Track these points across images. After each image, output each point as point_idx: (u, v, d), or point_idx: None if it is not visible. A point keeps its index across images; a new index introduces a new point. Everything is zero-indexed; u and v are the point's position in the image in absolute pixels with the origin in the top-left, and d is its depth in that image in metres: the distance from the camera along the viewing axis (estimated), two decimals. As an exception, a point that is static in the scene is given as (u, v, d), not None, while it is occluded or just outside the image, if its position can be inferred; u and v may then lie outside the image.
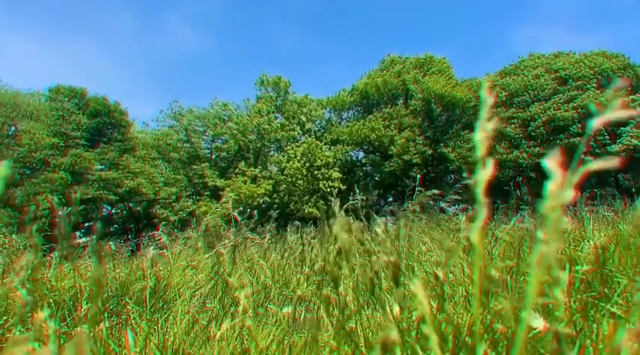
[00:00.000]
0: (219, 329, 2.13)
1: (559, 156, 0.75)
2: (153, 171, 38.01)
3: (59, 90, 38.14)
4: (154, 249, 3.46)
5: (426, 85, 36.51)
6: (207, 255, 3.48)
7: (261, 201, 32.12)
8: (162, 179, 37.47)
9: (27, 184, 35.02)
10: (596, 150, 33.95)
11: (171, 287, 3.31)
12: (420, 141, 35.09)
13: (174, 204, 35.53)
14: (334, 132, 37.50)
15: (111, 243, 35.90)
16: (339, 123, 40.94)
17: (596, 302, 2.13)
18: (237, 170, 33.81)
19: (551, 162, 0.73)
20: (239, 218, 3.94)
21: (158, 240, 3.87)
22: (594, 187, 35.61)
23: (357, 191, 4.78)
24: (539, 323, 0.99)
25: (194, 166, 36.49)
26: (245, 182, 32.27)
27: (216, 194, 34.13)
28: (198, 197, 36.69)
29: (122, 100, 67.69)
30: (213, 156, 39.22)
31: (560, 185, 0.69)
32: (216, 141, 39.22)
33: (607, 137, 33.84)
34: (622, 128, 33.64)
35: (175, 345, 2.04)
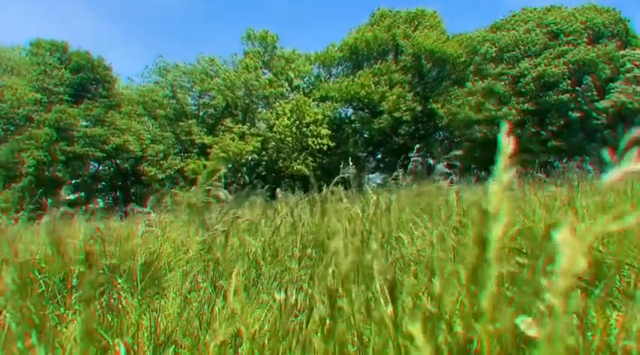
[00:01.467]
0: (211, 313, 2.13)
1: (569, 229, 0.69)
2: (139, 127, 37.56)
3: (40, 45, 37.06)
4: (144, 226, 3.41)
5: (417, 40, 35.94)
6: (198, 238, 3.40)
7: (249, 158, 32.01)
8: (149, 136, 37.09)
9: (11, 141, 34.54)
10: (584, 107, 34.03)
11: (162, 263, 3.28)
12: (410, 98, 34.86)
13: (162, 162, 35.32)
14: (323, 88, 37.03)
15: (99, 199, 35.54)
16: (328, 79, 40.36)
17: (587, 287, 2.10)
18: (224, 127, 33.45)
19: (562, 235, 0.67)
20: (223, 195, 3.91)
21: (147, 216, 3.78)
22: (581, 143, 35.97)
23: (350, 163, 4.70)
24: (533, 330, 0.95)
25: (181, 123, 36.03)
26: (233, 139, 32.01)
27: (204, 151, 33.90)
28: (186, 154, 36.45)
29: (105, 55, 65.81)
30: (201, 113, 38.70)
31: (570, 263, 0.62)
32: (203, 97, 38.60)
33: (595, 93, 33.86)
34: (610, 84, 33.65)
35: (168, 330, 2.02)
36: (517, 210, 3.92)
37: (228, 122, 33.38)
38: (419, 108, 35.01)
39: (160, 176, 34.74)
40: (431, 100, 36.07)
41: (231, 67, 38.08)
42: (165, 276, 3.10)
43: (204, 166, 32.09)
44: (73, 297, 2.27)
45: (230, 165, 32.89)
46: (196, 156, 34.25)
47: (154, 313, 2.19)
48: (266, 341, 1.76)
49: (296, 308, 2.32)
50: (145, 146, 36.75)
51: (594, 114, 33.86)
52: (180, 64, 37.46)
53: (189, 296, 2.51)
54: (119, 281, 2.81)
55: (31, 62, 37.23)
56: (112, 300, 2.46)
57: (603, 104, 33.21)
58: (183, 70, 37.27)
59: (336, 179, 4.46)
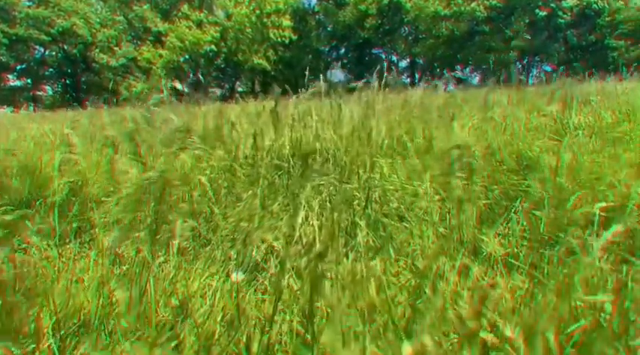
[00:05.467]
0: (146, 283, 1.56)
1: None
2: (87, 9, 34.87)
3: None
4: (61, 153, 2.94)
5: None
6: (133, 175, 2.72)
7: (207, 49, 30.55)
8: (98, 20, 34.59)
9: (-55, 19, 31.85)
10: (551, 5, 33.59)
11: (89, 192, 2.70)
12: (377, -11, 33.32)
13: (114, 48, 33.34)
14: (286, -27, 34.74)
15: (47, 87, 33.77)
16: (292, -37, 37.77)
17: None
18: (180, 13, 31.38)
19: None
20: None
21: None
22: (544, 44, 35.93)
23: (322, 77, 4.26)
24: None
25: (134, 7, 33.52)
26: (190, 28, 30.22)
27: (159, 39, 32.04)
28: (139, 42, 34.41)
29: None
30: (154, -3, 36.01)
31: None
32: (156, -22, 35.67)
33: (564, -10, 33.42)
34: (579, -18, 33.15)
35: (84, 312, 1.52)
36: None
37: (184, 8, 31.23)
38: (385, 0, 33.60)
39: (113, 63, 32.99)
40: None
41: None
42: (92, 213, 2.49)
43: (160, 56, 30.57)
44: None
45: (187, 56, 31.43)
46: (151, 44, 32.42)
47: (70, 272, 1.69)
48: (217, 329, 1.38)
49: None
50: (94, 30, 34.40)
51: (560, 13, 33.52)
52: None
53: (120, 252, 2.02)
54: (29, 225, 2.16)
55: None
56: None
57: (569, 3, 32.84)
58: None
59: (309, 91, 4.10)
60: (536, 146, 2.86)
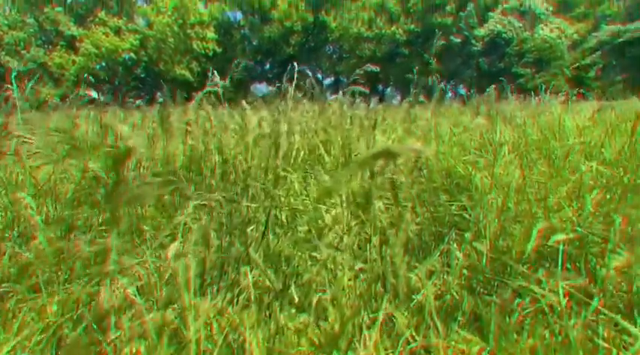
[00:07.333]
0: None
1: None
2: (-7, 10, 32.40)
3: None
4: None
5: (312, -57, 34.18)
6: None
7: (126, 57, 29.26)
8: (6, 22, 32.20)
9: None
10: (465, 32, 35.65)
11: None
12: (303, 7, 33.68)
13: (22, 52, 31.06)
14: (211, -14, 34.27)
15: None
16: (217, -24, 37.33)
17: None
18: (97, 19, 29.90)
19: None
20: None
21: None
22: (459, 69, 37.97)
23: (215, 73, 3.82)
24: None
25: (45, 9, 31.52)
26: (106, 34, 28.85)
27: (72, 45, 30.26)
28: (50, 46, 32.33)
29: None
30: (68, 0, 34.08)
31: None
32: (70, -19, 33.79)
33: (476, 20, 35.52)
34: (489, 13, 35.45)
35: None
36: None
37: (101, 14, 29.80)
38: (310, 18, 34.06)
39: (18, 67, 30.70)
40: (323, 12, 35.20)
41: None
42: None
43: (73, 62, 28.88)
44: None
45: (103, 64, 29.92)
46: (63, 49, 30.53)
47: None
48: None
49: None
50: (1, 32, 31.97)
51: (473, 41, 35.68)
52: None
53: None
54: None
55: None
56: None
57: (481, 32, 35.05)
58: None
59: (204, 92, 3.56)
60: (463, 162, 2.48)
